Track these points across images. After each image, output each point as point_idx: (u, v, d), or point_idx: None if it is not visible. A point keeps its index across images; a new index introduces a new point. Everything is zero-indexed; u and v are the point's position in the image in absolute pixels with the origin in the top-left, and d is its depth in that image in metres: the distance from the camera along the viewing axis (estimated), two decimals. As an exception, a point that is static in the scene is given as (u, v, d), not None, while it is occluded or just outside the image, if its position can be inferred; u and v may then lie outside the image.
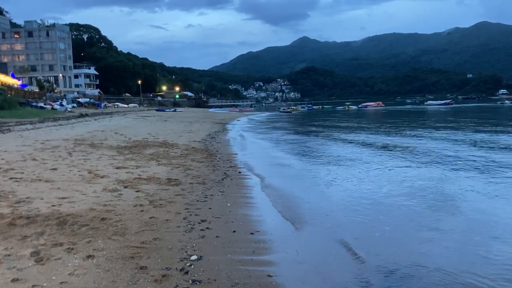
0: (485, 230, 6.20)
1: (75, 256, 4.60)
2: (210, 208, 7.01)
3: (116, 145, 15.30)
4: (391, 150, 16.12)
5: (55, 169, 9.68)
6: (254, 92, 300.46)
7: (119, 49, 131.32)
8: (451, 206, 7.55)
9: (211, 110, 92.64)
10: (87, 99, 68.72)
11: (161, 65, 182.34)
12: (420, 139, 20.04)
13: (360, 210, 7.35)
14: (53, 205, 6.48)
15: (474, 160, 12.82)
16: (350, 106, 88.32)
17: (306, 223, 6.58)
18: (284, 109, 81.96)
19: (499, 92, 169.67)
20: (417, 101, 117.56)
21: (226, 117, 54.62)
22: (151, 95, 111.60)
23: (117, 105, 77.70)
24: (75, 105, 56.94)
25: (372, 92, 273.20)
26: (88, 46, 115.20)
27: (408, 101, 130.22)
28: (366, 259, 5.05)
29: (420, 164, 12.55)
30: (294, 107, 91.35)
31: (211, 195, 8.04)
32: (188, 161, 12.22)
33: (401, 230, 6.27)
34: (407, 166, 12.13)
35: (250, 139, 23.13)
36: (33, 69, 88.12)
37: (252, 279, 4.36)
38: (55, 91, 71.66)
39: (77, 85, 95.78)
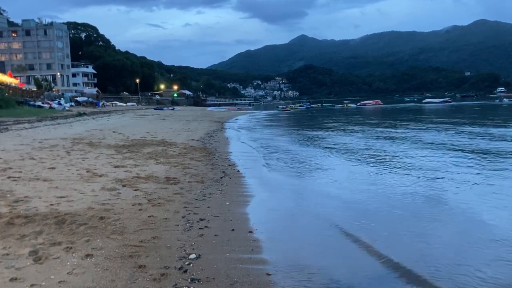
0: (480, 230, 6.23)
1: (74, 255, 4.60)
2: (208, 207, 7.01)
3: (114, 144, 15.28)
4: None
5: (53, 168, 9.66)
6: (253, 91, 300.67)
7: (117, 48, 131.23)
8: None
9: (210, 108, 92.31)
10: (85, 98, 68.53)
11: (159, 64, 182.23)
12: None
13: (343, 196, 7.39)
14: (51, 204, 6.47)
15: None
16: (348, 105, 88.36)
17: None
18: (282, 108, 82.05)
19: (497, 90, 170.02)
20: (415, 99, 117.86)
21: (224, 115, 54.55)
22: (149, 93, 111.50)
23: (115, 104, 77.59)
24: (73, 104, 56.73)
25: (370, 90, 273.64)
26: (86, 44, 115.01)
27: (406, 99, 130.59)
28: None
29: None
30: (293, 106, 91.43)
31: (210, 193, 8.03)
32: (187, 159, 12.20)
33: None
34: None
35: (248, 137, 23.09)
36: (31, 68, 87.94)
37: (251, 277, 4.36)
38: (53, 90, 71.51)
39: (75, 84, 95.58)
